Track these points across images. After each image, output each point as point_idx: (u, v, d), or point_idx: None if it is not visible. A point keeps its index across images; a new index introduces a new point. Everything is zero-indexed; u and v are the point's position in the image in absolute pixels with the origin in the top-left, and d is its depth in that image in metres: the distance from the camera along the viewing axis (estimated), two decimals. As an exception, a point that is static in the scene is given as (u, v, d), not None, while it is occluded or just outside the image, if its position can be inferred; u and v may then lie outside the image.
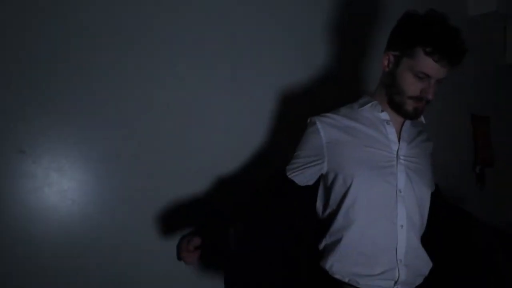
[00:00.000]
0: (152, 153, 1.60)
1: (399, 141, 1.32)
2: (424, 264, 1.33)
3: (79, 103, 1.48)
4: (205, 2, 1.71)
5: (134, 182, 1.58)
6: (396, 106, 1.31)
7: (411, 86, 1.25)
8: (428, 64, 1.22)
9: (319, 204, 1.38)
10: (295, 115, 1.69)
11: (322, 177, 1.36)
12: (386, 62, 1.32)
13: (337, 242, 1.28)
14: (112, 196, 1.54)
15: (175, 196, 1.65)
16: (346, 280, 1.28)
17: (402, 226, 1.27)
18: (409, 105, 1.27)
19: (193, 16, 1.69)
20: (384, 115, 1.33)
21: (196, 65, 1.69)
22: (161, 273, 1.63)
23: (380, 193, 1.27)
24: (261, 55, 1.83)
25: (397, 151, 1.30)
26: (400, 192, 1.27)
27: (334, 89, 1.91)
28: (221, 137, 1.74)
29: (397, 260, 1.26)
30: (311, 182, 1.36)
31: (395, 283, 1.27)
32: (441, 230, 1.41)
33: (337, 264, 1.28)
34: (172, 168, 1.64)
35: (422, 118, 1.35)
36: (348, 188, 1.27)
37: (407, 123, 1.36)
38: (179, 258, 1.26)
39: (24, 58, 1.40)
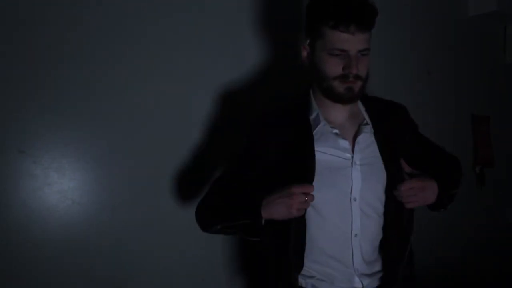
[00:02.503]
0: (152, 153, 1.61)
1: (353, 151, 1.23)
2: (379, 266, 1.28)
3: (79, 103, 1.48)
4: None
5: (134, 182, 1.58)
6: (329, 94, 1.22)
7: (331, 66, 1.17)
8: (337, 38, 1.14)
9: None
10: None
11: None
12: (304, 54, 1.26)
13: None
14: (112, 196, 1.54)
15: (175, 196, 1.65)
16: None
17: (356, 235, 1.21)
18: (339, 87, 1.18)
19: (191, 16, 1.69)
20: (336, 131, 1.23)
21: (194, 65, 1.69)
22: (161, 272, 1.63)
23: (331, 200, 1.21)
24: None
25: (352, 157, 1.22)
26: (355, 200, 1.21)
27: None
28: (221, 137, 1.74)
29: (354, 270, 1.22)
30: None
31: None
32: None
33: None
34: (172, 167, 1.65)
35: (366, 117, 1.27)
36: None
37: (361, 136, 1.24)
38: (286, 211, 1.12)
39: (24, 59, 1.40)
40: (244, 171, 1.27)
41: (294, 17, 1.85)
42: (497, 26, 2.93)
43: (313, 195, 1.13)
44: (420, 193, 1.21)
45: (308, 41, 1.24)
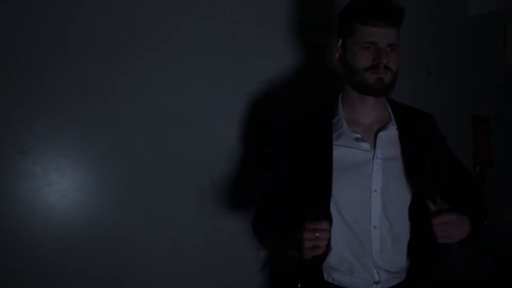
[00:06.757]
0: (152, 153, 1.61)
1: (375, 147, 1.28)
2: (401, 265, 1.29)
3: (79, 103, 1.48)
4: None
5: (134, 182, 1.58)
6: (360, 87, 1.28)
7: (362, 58, 1.25)
8: (368, 32, 1.24)
9: None
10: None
11: None
12: (337, 55, 1.35)
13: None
14: (112, 196, 1.54)
15: (175, 196, 1.65)
16: (330, 280, 1.29)
17: (375, 227, 1.25)
18: (369, 78, 1.25)
19: (188, 19, 1.69)
20: (357, 136, 1.29)
21: (193, 66, 1.69)
22: (161, 272, 1.63)
23: (351, 193, 1.26)
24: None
25: (374, 151, 1.27)
26: (376, 192, 1.25)
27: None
28: (219, 138, 1.74)
29: (373, 262, 1.25)
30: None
31: (375, 283, 1.25)
32: None
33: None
34: (172, 168, 1.64)
35: (393, 121, 1.31)
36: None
37: (384, 132, 1.30)
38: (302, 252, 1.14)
39: (24, 59, 1.40)
40: (279, 176, 1.37)
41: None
42: (497, 26, 2.93)
43: (328, 231, 1.13)
44: (454, 228, 1.21)
45: (340, 41, 1.32)
